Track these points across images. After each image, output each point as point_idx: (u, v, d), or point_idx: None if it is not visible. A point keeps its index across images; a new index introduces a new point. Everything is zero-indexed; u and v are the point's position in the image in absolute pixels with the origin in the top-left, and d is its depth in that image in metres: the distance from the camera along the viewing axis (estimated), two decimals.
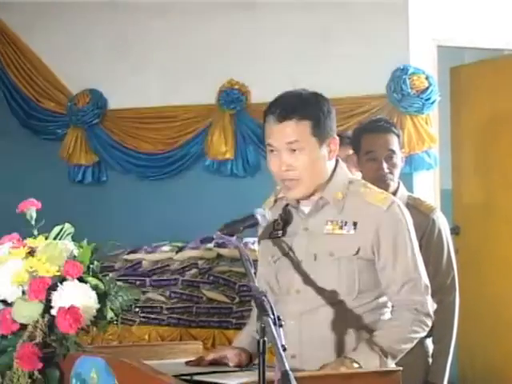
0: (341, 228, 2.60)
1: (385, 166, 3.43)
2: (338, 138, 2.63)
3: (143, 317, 5.55)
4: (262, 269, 2.78)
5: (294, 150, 2.55)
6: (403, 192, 3.50)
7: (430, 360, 3.44)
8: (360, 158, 3.52)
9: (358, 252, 2.58)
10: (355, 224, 2.59)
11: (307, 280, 2.61)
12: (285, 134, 2.55)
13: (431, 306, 2.63)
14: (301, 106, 2.56)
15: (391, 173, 3.44)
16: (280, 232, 2.68)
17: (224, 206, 5.83)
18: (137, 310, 5.51)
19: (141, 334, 5.49)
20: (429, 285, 2.63)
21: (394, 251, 2.59)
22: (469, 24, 5.89)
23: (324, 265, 2.59)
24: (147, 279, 5.64)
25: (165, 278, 5.62)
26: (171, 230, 5.93)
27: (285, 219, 2.68)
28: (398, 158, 3.48)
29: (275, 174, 2.61)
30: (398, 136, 3.50)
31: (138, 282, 5.62)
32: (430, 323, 2.62)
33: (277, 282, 2.69)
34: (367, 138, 3.49)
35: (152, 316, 5.55)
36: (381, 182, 3.31)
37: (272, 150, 2.59)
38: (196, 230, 5.57)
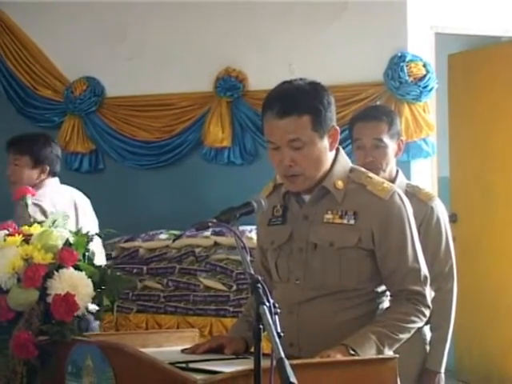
0: (341, 217, 2.58)
1: (370, 154, 3.41)
2: (338, 128, 2.61)
3: (140, 305, 5.56)
4: (260, 255, 2.78)
5: (296, 148, 2.54)
6: (402, 180, 3.49)
7: (428, 347, 3.44)
8: (353, 147, 3.53)
9: (358, 242, 2.57)
10: (355, 214, 2.57)
11: (307, 269, 2.60)
12: (286, 131, 2.52)
13: (429, 296, 2.63)
14: (300, 100, 2.52)
15: (378, 161, 3.41)
16: (280, 219, 2.67)
17: (221, 193, 5.83)
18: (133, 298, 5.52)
19: (138, 322, 5.50)
20: (428, 275, 2.63)
21: (394, 242, 2.58)
22: (466, 11, 5.87)
23: (324, 254, 2.58)
24: (144, 267, 5.64)
25: (162, 266, 5.62)
26: (168, 217, 5.93)
27: (284, 206, 2.67)
28: (389, 147, 3.44)
29: (278, 170, 2.60)
30: (391, 124, 3.45)
31: (135, 270, 5.62)
32: (427, 314, 2.62)
33: (276, 269, 2.68)
34: (357, 127, 3.49)
35: (149, 304, 5.55)
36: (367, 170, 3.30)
37: (273, 147, 2.57)
38: (193, 218, 5.52)
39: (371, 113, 3.54)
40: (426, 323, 2.96)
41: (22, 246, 2.72)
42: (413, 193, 3.37)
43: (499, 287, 6.42)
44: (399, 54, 5.62)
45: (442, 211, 3.46)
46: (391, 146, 3.44)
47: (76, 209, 4.57)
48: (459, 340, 6.47)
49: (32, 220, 2.85)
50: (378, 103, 5.47)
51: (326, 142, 2.57)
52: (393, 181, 3.38)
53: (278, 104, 2.53)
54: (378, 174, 3.24)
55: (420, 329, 2.89)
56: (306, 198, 2.64)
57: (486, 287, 6.49)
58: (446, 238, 3.44)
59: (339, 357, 2.41)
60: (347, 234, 2.57)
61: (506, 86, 6.39)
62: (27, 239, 2.76)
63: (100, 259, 4.52)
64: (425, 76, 5.61)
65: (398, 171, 3.52)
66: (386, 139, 3.43)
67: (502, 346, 6.38)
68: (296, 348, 2.57)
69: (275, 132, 2.54)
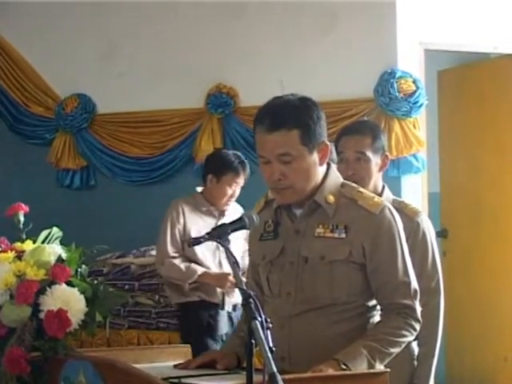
0: (332, 231, 2.60)
1: (352, 167, 3.42)
2: (329, 143, 2.63)
3: (132, 321, 5.55)
4: (252, 270, 2.79)
5: (286, 161, 2.56)
6: (388, 195, 3.49)
7: (416, 363, 3.44)
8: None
9: (348, 256, 2.59)
10: (346, 228, 2.59)
11: (298, 282, 2.61)
12: (275, 145, 2.55)
13: (419, 310, 2.64)
14: (290, 115, 2.55)
15: (360, 175, 3.42)
16: (271, 234, 2.68)
17: None
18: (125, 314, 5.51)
19: (130, 338, 5.49)
20: (418, 289, 2.65)
21: (385, 255, 2.60)
22: (456, 28, 5.91)
23: (315, 268, 2.60)
24: (136, 283, 5.63)
25: (153, 282, 5.61)
26: None
27: (276, 221, 2.69)
28: (372, 161, 3.44)
29: (268, 183, 2.62)
30: (375, 138, 3.46)
31: (126, 287, 5.61)
32: (418, 328, 2.63)
33: (267, 283, 2.69)
34: (341, 140, 3.50)
35: (141, 320, 5.55)
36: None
37: (264, 161, 2.60)
38: None
39: (355, 127, 3.57)
40: (414, 338, 2.97)
41: (14, 263, 2.73)
42: (399, 208, 3.33)
43: (490, 302, 6.43)
44: (389, 71, 5.65)
45: (428, 226, 3.47)
46: (374, 160, 3.44)
47: None
48: (450, 353, 6.48)
49: None
50: (366, 119, 5.49)
51: (315, 157, 2.60)
52: (379, 196, 3.38)
53: (267, 119, 2.56)
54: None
55: (408, 344, 2.90)
56: (298, 212, 2.66)
57: (476, 302, 6.51)
58: (433, 253, 3.44)
59: (331, 371, 2.42)
60: (338, 248, 2.59)
61: (495, 102, 6.43)
62: (20, 255, 2.77)
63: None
64: (415, 92, 5.64)
65: (384, 186, 3.52)
66: (369, 153, 3.43)
67: (493, 359, 6.40)
68: (287, 362, 2.57)
69: (265, 146, 2.57)
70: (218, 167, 4.91)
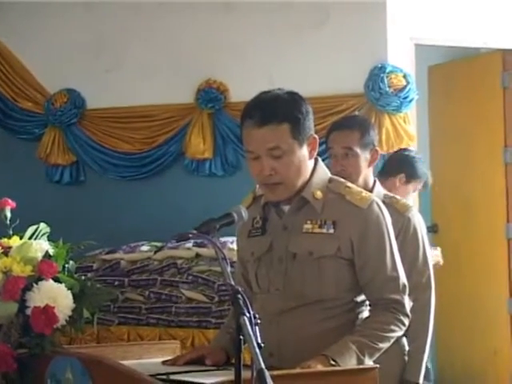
0: (320, 227, 2.59)
1: (340, 162, 3.42)
2: (317, 136, 2.62)
3: (122, 317, 5.54)
4: (240, 267, 2.78)
5: (276, 156, 2.54)
6: (379, 190, 3.49)
7: (406, 358, 3.44)
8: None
9: (337, 251, 2.58)
10: (334, 223, 2.59)
11: (287, 279, 2.61)
12: (265, 139, 2.54)
13: (408, 305, 2.64)
14: (279, 109, 2.54)
15: (348, 170, 3.41)
16: (259, 230, 2.67)
17: (203, 205, 5.82)
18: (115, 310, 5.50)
19: (120, 335, 5.48)
20: (407, 284, 2.65)
21: (373, 250, 2.59)
22: (446, 23, 5.91)
23: (303, 264, 2.59)
24: (126, 279, 5.62)
25: (143, 277, 5.60)
26: (150, 229, 5.91)
27: (264, 217, 2.68)
28: (360, 156, 3.44)
29: (257, 179, 2.60)
30: (363, 133, 3.46)
31: (116, 282, 5.60)
32: (407, 322, 2.63)
33: (256, 280, 2.69)
34: (331, 135, 3.50)
35: (131, 316, 5.53)
36: None
37: (252, 156, 2.58)
38: (175, 229, 5.50)
39: (344, 122, 3.59)
40: (405, 334, 2.96)
41: (0, 259, 2.71)
42: (390, 203, 3.34)
43: (480, 297, 6.44)
44: (379, 66, 5.65)
45: (419, 222, 3.46)
46: (363, 155, 3.44)
47: None
48: (440, 348, 6.49)
49: None
50: (355, 114, 5.48)
51: (305, 150, 2.59)
52: (370, 191, 3.38)
53: (256, 113, 2.55)
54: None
55: (398, 339, 2.90)
56: (286, 208, 2.65)
57: (467, 298, 6.51)
58: (423, 249, 3.44)
59: (320, 367, 2.41)
60: (326, 243, 2.58)
61: (485, 96, 6.43)
62: (6, 251, 2.75)
63: None
64: (405, 87, 5.63)
65: (375, 181, 3.52)
66: (357, 148, 3.43)
67: (483, 353, 6.41)
68: (276, 358, 2.57)
69: (254, 141, 2.56)
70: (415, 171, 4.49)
